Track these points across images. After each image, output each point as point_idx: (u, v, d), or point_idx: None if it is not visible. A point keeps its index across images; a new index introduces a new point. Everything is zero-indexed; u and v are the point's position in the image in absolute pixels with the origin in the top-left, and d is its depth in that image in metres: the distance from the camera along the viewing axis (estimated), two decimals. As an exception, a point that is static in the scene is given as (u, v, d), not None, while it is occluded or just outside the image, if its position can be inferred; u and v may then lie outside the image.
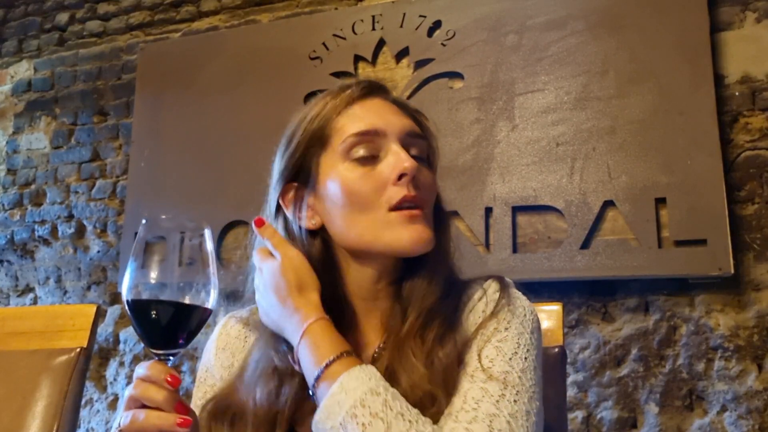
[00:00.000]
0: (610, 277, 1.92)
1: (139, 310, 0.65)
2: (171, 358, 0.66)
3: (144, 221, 0.66)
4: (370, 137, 0.79)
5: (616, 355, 1.92)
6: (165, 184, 2.53)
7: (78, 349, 1.03)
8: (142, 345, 2.51)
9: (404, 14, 2.32)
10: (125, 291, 0.64)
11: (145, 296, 0.64)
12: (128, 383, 2.45)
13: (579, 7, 2.10)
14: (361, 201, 0.77)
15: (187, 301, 0.64)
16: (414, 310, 0.77)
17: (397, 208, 0.76)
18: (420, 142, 0.82)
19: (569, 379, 1.93)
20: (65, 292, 2.71)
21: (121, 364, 2.54)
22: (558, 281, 1.98)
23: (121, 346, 2.56)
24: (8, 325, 1.09)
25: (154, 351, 0.65)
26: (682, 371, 1.85)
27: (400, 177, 0.76)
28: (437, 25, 2.27)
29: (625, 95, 1.99)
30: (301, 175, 0.82)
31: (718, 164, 1.85)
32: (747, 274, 1.84)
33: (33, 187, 2.87)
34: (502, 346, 0.73)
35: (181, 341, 0.66)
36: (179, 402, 0.64)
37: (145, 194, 2.56)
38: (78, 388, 1.02)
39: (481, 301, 0.79)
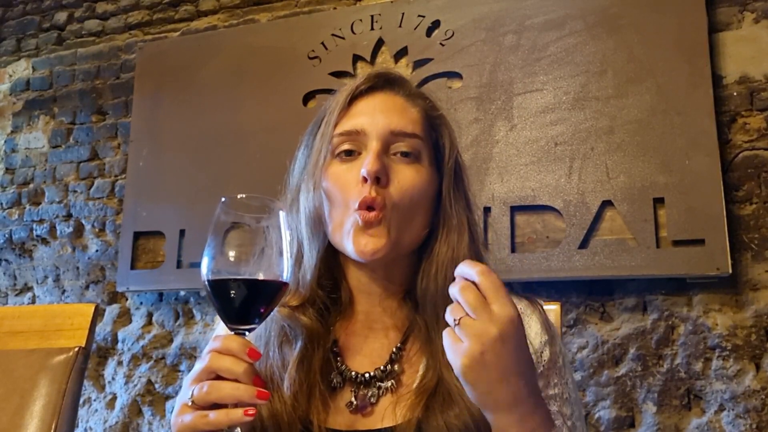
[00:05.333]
0: (608, 276, 1.92)
1: (218, 289, 0.67)
2: (246, 333, 0.68)
3: (222, 200, 0.69)
4: (353, 136, 0.80)
5: (614, 355, 1.93)
6: (163, 183, 2.53)
7: (76, 349, 1.03)
8: (141, 344, 2.51)
9: (403, 14, 2.32)
10: (204, 270, 0.66)
11: (223, 275, 0.66)
12: (126, 382, 2.43)
13: (577, 7, 2.10)
14: (335, 196, 0.79)
15: (262, 276, 0.66)
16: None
17: (359, 208, 0.77)
18: (409, 140, 0.81)
19: (567, 379, 1.93)
20: (63, 292, 2.71)
21: (119, 363, 2.54)
22: (556, 281, 1.98)
23: (119, 345, 2.56)
24: (6, 325, 1.09)
25: (233, 326, 0.67)
26: (680, 371, 1.85)
27: (365, 179, 0.77)
28: (436, 24, 2.27)
29: (623, 95, 1.99)
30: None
31: (716, 164, 1.85)
32: (745, 274, 1.85)
33: (31, 186, 2.87)
34: (566, 396, 0.81)
35: (257, 318, 0.68)
36: (256, 375, 0.64)
37: (143, 193, 2.56)
38: (76, 388, 1.01)
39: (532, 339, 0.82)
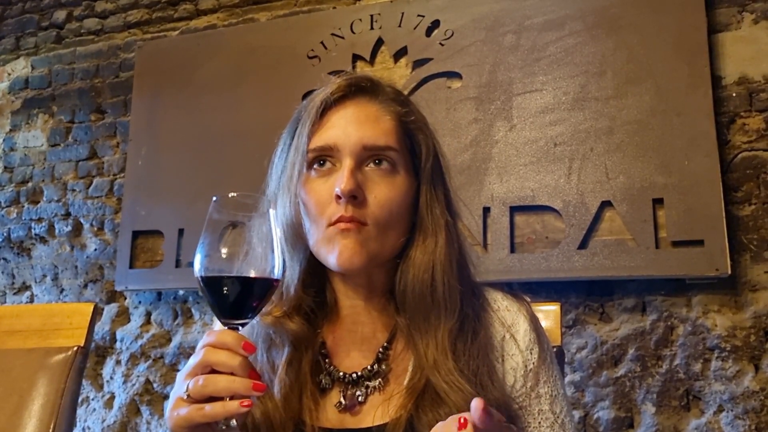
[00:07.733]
0: (607, 277, 1.92)
1: (211, 285, 0.68)
2: (240, 327, 0.69)
3: (214, 199, 0.70)
4: (326, 152, 0.80)
5: (614, 355, 1.93)
6: (162, 182, 2.53)
7: (75, 348, 1.03)
8: (139, 344, 2.50)
9: (402, 14, 2.32)
10: (197, 267, 0.68)
11: (215, 272, 0.68)
12: (125, 382, 2.42)
13: (577, 8, 2.10)
14: (311, 212, 0.80)
15: (253, 273, 0.67)
16: (429, 330, 0.79)
17: (333, 224, 0.78)
18: (383, 152, 0.80)
19: (566, 379, 1.93)
20: (62, 290, 2.71)
21: (118, 362, 2.54)
22: (556, 281, 1.98)
23: (118, 344, 2.56)
24: (5, 324, 1.08)
25: (227, 321, 0.69)
26: (679, 371, 1.85)
27: (339, 197, 0.77)
28: (435, 24, 2.27)
29: (622, 96, 1.99)
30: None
31: (716, 165, 1.85)
32: (744, 275, 1.85)
33: (30, 184, 2.86)
34: (555, 394, 0.82)
35: (250, 313, 0.69)
36: (251, 368, 0.65)
37: (142, 192, 2.55)
38: (75, 387, 1.01)
39: (514, 338, 0.83)
